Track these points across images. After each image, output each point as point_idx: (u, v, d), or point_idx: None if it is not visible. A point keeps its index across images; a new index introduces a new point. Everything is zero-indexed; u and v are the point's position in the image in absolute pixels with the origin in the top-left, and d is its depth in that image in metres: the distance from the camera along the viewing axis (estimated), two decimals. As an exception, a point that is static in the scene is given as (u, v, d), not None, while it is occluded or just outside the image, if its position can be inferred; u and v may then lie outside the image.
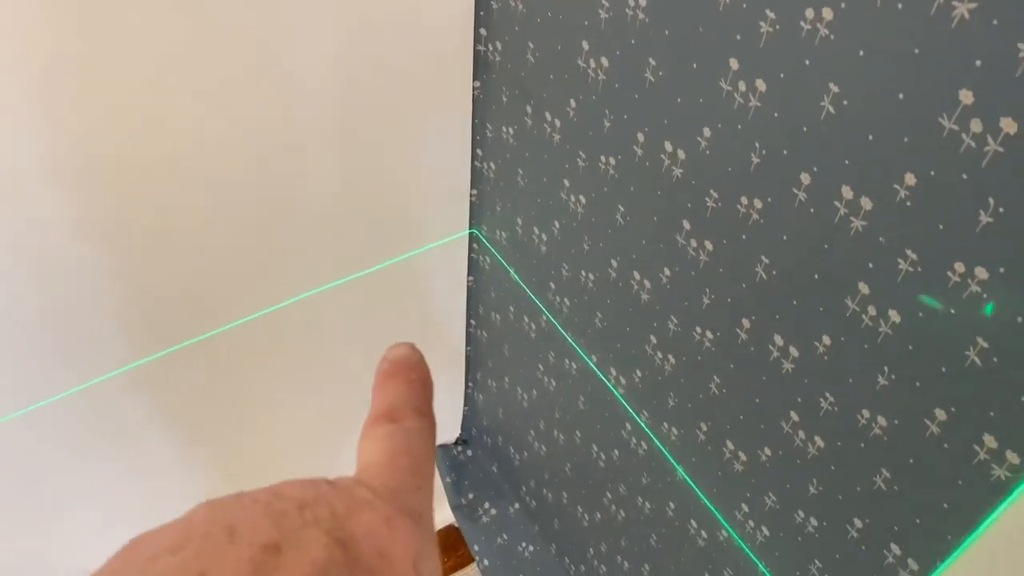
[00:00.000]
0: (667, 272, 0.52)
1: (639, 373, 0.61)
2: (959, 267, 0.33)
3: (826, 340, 0.42)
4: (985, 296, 0.33)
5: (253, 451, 0.83)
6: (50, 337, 0.60)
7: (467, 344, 0.92)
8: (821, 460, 0.46)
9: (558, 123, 0.57)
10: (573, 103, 0.54)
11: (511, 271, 0.75)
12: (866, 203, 0.36)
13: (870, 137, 0.34)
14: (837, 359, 0.42)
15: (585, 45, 0.50)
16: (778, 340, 0.45)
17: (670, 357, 0.56)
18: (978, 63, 0.29)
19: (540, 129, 0.59)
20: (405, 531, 0.20)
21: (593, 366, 0.68)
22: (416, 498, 0.22)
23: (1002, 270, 0.32)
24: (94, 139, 0.51)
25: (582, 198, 0.58)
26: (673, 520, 0.65)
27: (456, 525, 1.05)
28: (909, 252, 0.35)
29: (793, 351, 0.44)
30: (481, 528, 1.01)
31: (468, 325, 0.90)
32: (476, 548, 1.01)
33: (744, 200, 0.43)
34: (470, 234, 0.78)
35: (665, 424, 0.60)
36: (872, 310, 0.38)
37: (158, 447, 0.75)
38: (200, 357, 0.69)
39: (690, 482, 0.60)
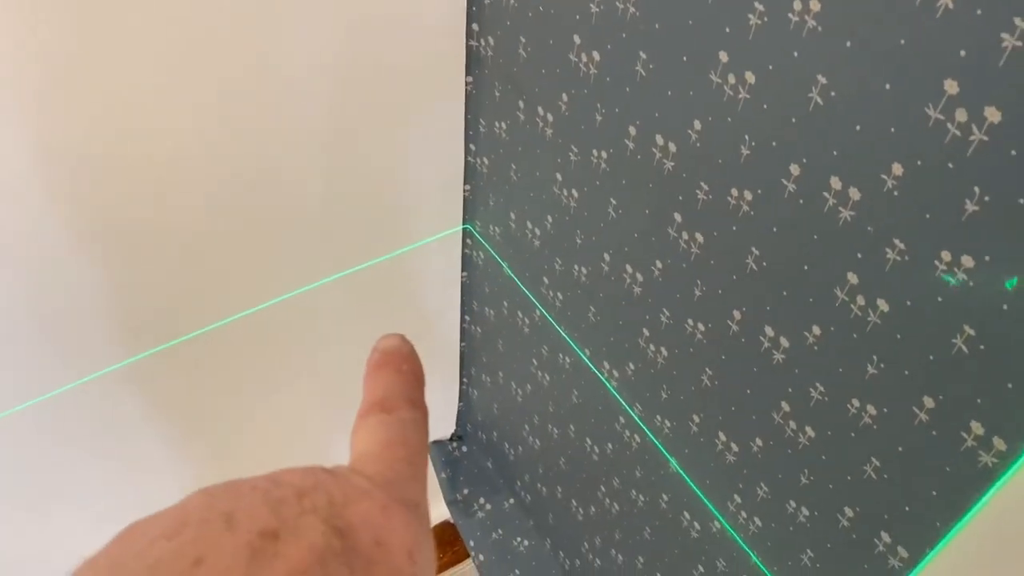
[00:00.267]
0: (659, 265, 0.53)
1: (632, 366, 0.61)
2: (945, 255, 0.34)
3: (816, 330, 0.42)
4: (972, 284, 0.33)
5: (248, 447, 0.83)
6: (43, 334, 0.60)
7: (461, 339, 0.93)
8: (812, 450, 0.46)
9: (550, 117, 0.57)
10: (565, 97, 0.54)
11: (504, 266, 0.75)
12: (854, 193, 0.36)
13: (857, 128, 0.35)
14: (827, 349, 0.42)
15: (576, 39, 0.50)
16: (769, 331, 0.46)
17: (662, 350, 0.56)
18: (962, 53, 0.29)
19: (532, 124, 0.60)
20: (401, 520, 0.20)
21: (586, 360, 0.68)
22: (411, 488, 0.22)
23: (987, 258, 0.32)
24: (86, 139, 0.52)
25: (575, 192, 0.58)
26: (666, 512, 0.66)
27: (451, 521, 1.05)
28: (897, 241, 0.35)
29: (784, 342, 0.45)
30: (476, 523, 1.01)
31: (462, 320, 0.90)
32: (471, 543, 1.01)
33: (734, 192, 0.43)
34: (464, 229, 0.79)
35: (658, 417, 0.61)
36: (861, 300, 0.39)
37: (153, 443, 0.75)
38: (195, 353, 0.69)
39: (683, 474, 0.61)
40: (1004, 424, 0.35)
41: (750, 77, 0.39)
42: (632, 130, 0.49)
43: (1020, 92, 0.28)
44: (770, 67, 0.38)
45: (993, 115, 0.29)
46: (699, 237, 0.48)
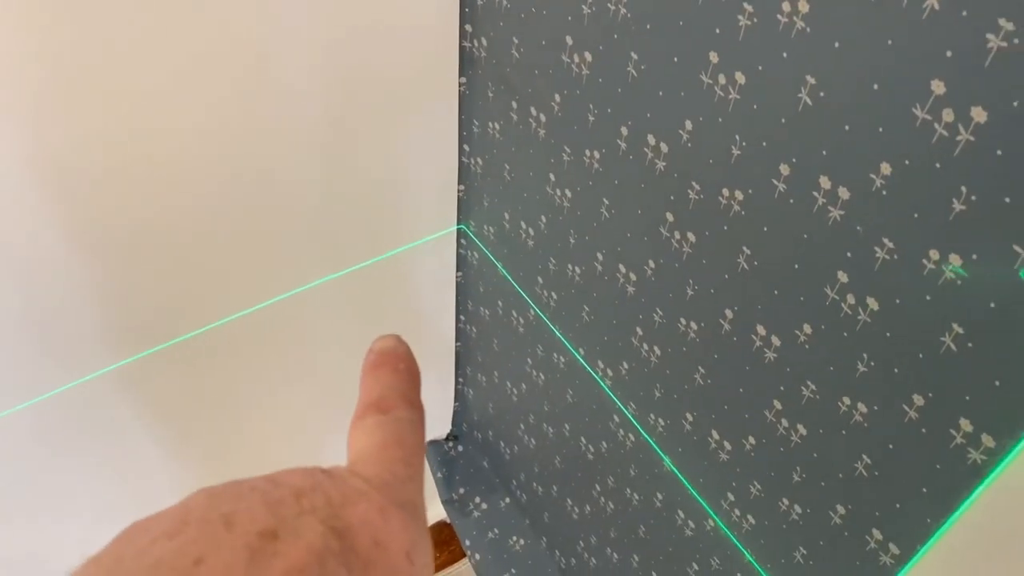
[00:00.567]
0: (652, 264, 0.53)
1: (626, 365, 0.61)
2: (933, 254, 0.34)
3: (807, 329, 0.42)
4: (959, 283, 0.33)
5: (242, 448, 0.83)
6: (37, 337, 0.60)
7: (457, 339, 0.93)
8: (804, 448, 0.47)
9: (543, 118, 0.57)
10: (558, 98, 0.54)
11: (499, 266, 0.75)
12: (843, 193, 0.37)
13: (846, 128, 0.35)
14: (818, 347, 0.42)
15: (569, 40, 0.51)
16: (760, 330, 0.46)
17: (656, 348, 0.57)
18: (949, 54, 0.30)
19: (526, 124, 0.60)
20: (399, 521, 0.20)
21: (581, 359, 0.68)
22: (409, 488, 0.22)
23: (974, 256, 0.32)
24: (80, 142, 0.52)
25: (568, 192, 0.59)
26: (661, 511, 0.66)
27: (448, 520, 1.05)
28: (886, 240, 0.36)
29: (775, 340, 0.45)
30: (472, 523, 1.01)
31: (457, 320, 0.90)
32: (468, 543, 1.01)
33: (725, 192, 0.43)
34: (458, 229, 0.79)
35: (652, 415, 0.61)
36: (851, 298, 0.39)
37: (147, 445, 0.75)
38: (190, 355, 0.69)
39: (677, 472, 0.61)
40: (992, 421, 0.35)
41: (740, 78, 0.39)
42: (624, 130, 0.49)
43: (1005, 92, 0.29)
44: (760, 68, 0.38)
45: (979, 115, 0.30)
46: (691, 237, 0.48)
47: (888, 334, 0.38)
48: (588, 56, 0.50)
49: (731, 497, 0.55)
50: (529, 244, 0.68)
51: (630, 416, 0.64)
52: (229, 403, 0.78)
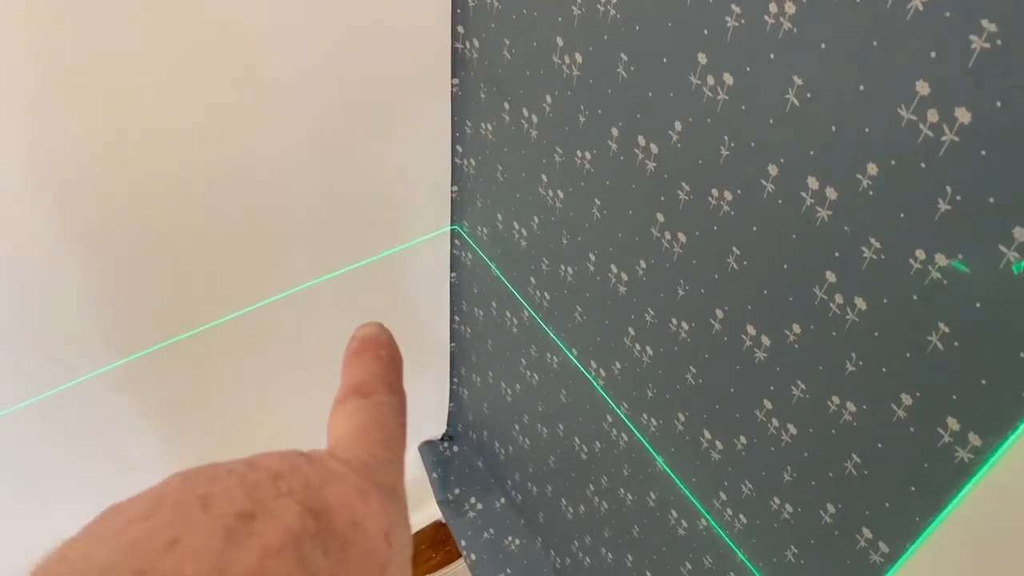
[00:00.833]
0: (643, 264, 0.53)
1: (618, 365, 0.62)
2: (920, 254, 0.34)
3: (796, 328, 0.43)
4: (946, 282, 0.34)
5: (238, 447, 0.83)
6: (36, 336, 0.60)
7: (451, 340, 0.93)
8: (794, 447, 0.47)
9: (535, 119, 0.57)
10: (549, 99, 0.55)
11: (492, 266, 0.75)
12: (831, 193, 0.37)
13: (833, 128, 0.35)
14: (807, 347, 0.43)
15: (559, 41, 0.51)
16: (750, 329, 0.46)
17: (648, 349, 0.57)
18: (933, 55, 0.30)
19: (518, 125, 0.60)
20: (378, 503, 0.20)
21: (574, 359, 0.68)
22: (388, 471, 0.22)
23: (960, 256, 0.32)
24: (80, 142, 0.52)
25: (560, 193, 0.59)
26: (654, 510, 0.66)
27: (443, 520, 1.05)
28: (873, 240, 0.36)
29: (765, 340, 0.45)
30: (468, 523, 1.02)
31: (452, 321, 0.90)
32: (463, 543, 1.01)
33: (715, 192, 0.44)
34: (452, 230, 0.79)
35: (644, 415, 0.61)
36: (839, 298, 0.39)
37: (143, 445, 0.75)
38: (184, 355, 0.70)
39: (670, 472, 0.61)
40: (979, 420, 0.35)
41: (728, 78, 0.39)
42: (615, 131, 0.49)
43: (989, 93, 0.29)
44: (747, 68, 0.38)
45: (963, 116, 0.30)
46: (681, 237, 0.48)
47: (876, 333, 0.38)
48: (579, 57, 0.50)
49: (723, 496, 0.56)
50: (522, 245, 0.68)
51: (623, 416, 0.64)
52: (225, 402, 0.79)
